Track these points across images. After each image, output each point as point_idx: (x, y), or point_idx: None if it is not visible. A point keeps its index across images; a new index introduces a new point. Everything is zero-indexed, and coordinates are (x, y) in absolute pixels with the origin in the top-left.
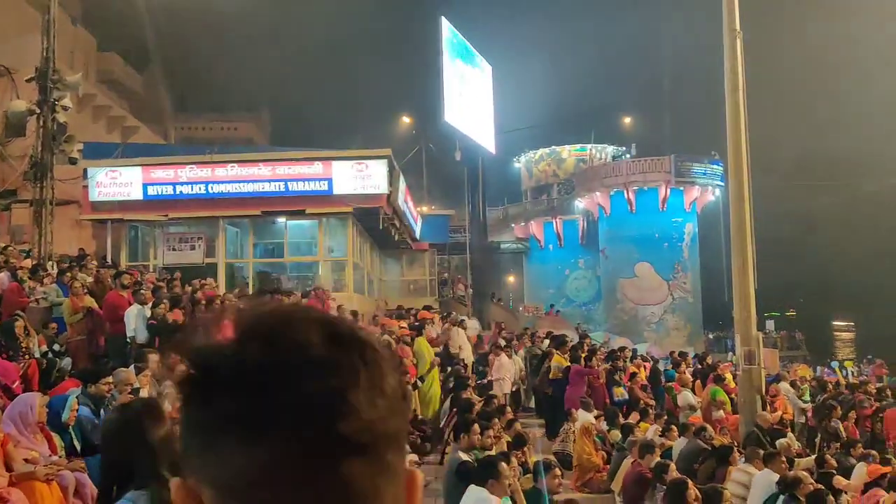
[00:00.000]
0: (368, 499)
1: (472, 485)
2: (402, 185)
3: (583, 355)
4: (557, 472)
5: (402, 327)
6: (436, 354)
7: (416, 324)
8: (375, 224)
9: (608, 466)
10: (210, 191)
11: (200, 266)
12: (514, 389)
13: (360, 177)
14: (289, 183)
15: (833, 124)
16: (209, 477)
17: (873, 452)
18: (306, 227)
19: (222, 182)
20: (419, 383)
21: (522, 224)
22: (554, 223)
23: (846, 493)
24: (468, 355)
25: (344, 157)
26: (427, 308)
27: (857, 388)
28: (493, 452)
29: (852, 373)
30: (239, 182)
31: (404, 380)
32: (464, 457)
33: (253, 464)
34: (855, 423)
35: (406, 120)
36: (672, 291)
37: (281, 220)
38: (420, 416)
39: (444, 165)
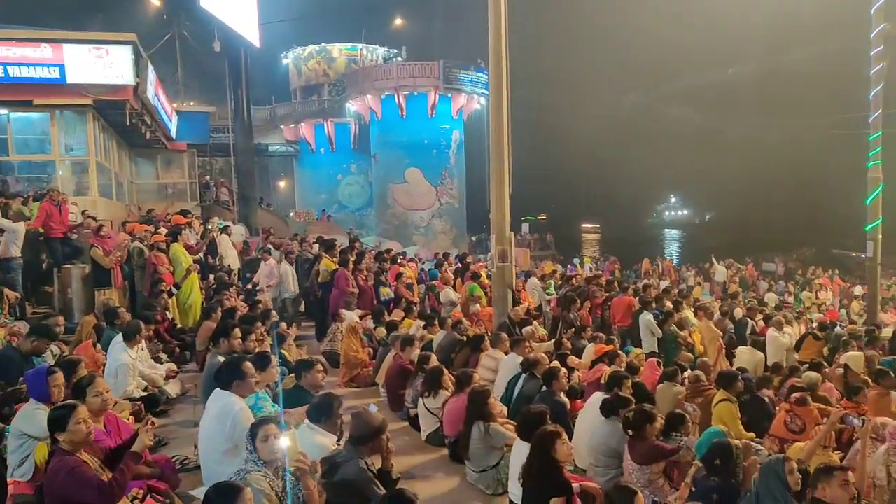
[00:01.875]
0: None
1: (217, 389)
2: (152, 76)
3: (352, 259)
4: (320, 367)
5: (157, 233)
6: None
7: (172, 229)
8: (122, 119)
9: (374, 362)
10: None
11: None
12: (290, 296)
13: (101, 65)
14: (9, 68)
15: (589, 44)
16: None
17: (600, 335)
18: (35, 120)
19: None
20: (174, 291)
21: (292, 125)
22: (325, 125)
23: (578, 370)
24: (233, 261)
25: (78, 39)
26: (183, 213)
27: (592, 280)
28: None
29: (590, 268)
30: None
31: None
32: (222, 360)
33: None
34: (589, 312)
35: (155, 2)
36: (440, 197)
37: (2, 111)
38: (179, 325)
39: (202, 57)
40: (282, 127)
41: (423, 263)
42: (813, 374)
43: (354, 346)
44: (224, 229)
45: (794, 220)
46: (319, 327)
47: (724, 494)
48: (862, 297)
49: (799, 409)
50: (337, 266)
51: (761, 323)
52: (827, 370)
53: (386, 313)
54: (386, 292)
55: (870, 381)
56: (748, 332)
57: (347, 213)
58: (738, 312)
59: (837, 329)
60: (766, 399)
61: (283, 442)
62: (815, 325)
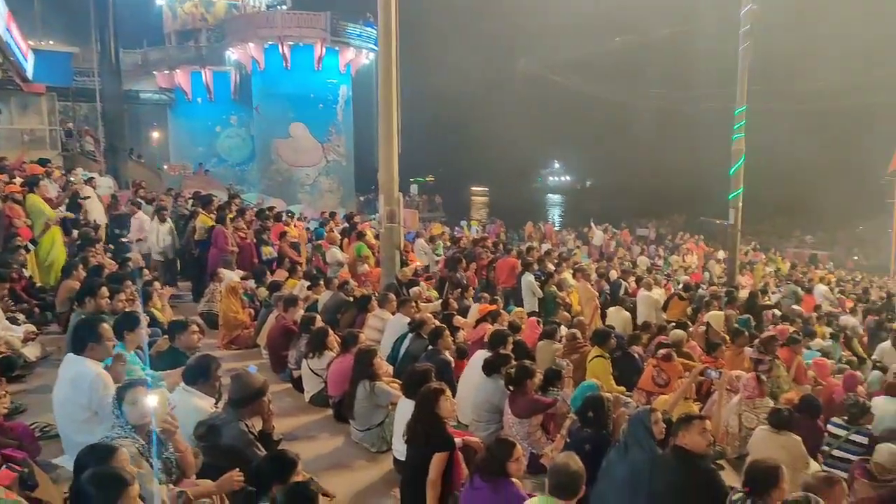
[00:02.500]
0: None
1: (70, 354)
2: (3, 8)
3: (230, 215)
4: (195, 328)
5: (11, 183)
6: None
7: (29, 179)
8: None
9: (255, 323)
10: None
11: None
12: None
13: None
14: None
15: (482, 7)
16: None
17: (485, 295)
18: None
19: None
20: (31, 246)
21: (166, 72)
22: (203, 73)
23: (463, 329)
24: (99, 216)
25: None
26: (42, 162)
27: (478, 242)
28: None
29: (477, 230)
30: None
31: None
32: None
33: None
34: (475, 272)
35: None
36: (326, 154)
37: None
38: (38, 283)
39: None
40: (155, 73)
41: (309, 222)
42: (679, 332)
43: (234, 306)
44: (89, 181)
45: (667, 188)
46: (196, 287)
47: (596, 444)
48: (723, 261)
49: (665, 364)
50: (214, 223)
51: (633, 284)
52: (691, 328)
53: (268, 273)
54: (268, 251)
55: (728, 338)
56: (622, 292)
57: (227, 167)
58: (613, 274)
59: (701, 290)
60: (636, 355)
61: (151, 403)
62: (680, 286)
